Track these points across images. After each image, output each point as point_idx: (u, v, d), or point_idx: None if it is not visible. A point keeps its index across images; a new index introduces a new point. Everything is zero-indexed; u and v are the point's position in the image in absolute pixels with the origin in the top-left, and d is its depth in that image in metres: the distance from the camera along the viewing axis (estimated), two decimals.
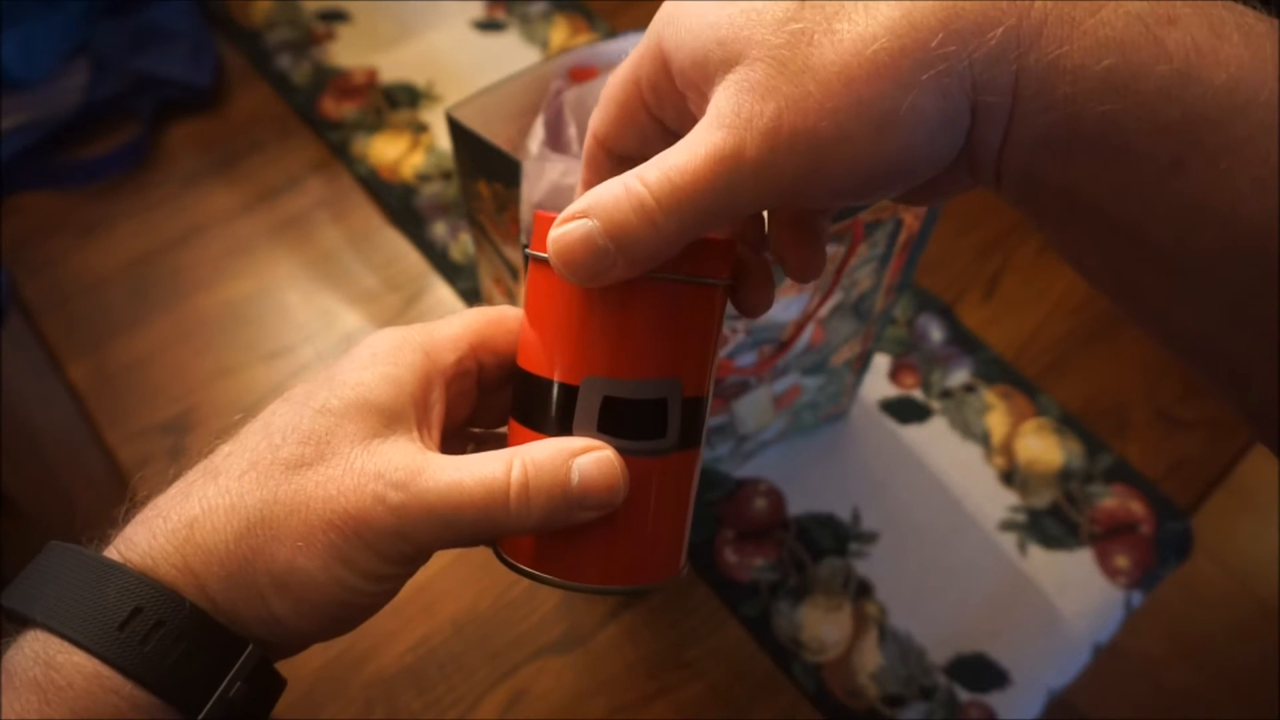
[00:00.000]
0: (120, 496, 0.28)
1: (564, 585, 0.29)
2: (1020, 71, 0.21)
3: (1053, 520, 0.61)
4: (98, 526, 0.28)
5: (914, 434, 0.65)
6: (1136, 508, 0.62)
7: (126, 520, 0.28)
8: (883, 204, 0.44)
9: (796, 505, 0.61)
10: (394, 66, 0.85)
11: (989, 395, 0.67)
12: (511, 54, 0.86)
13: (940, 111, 0.21)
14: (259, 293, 0.71)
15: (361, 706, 0.53)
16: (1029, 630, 0.57)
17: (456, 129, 0.47)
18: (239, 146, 0.79)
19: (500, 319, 0.32)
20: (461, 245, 0.73)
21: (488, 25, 0.88)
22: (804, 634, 0.56)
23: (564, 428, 0.28)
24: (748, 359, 0.50)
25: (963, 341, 0.69)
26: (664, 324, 0.28)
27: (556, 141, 0.50)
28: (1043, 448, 0.64)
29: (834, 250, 0.45)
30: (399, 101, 0.82)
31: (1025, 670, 0.56)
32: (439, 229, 0.74)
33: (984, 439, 0.64)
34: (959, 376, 0.67)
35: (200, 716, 0.25)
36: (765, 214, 0.30)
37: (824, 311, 0.50)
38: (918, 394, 0.67)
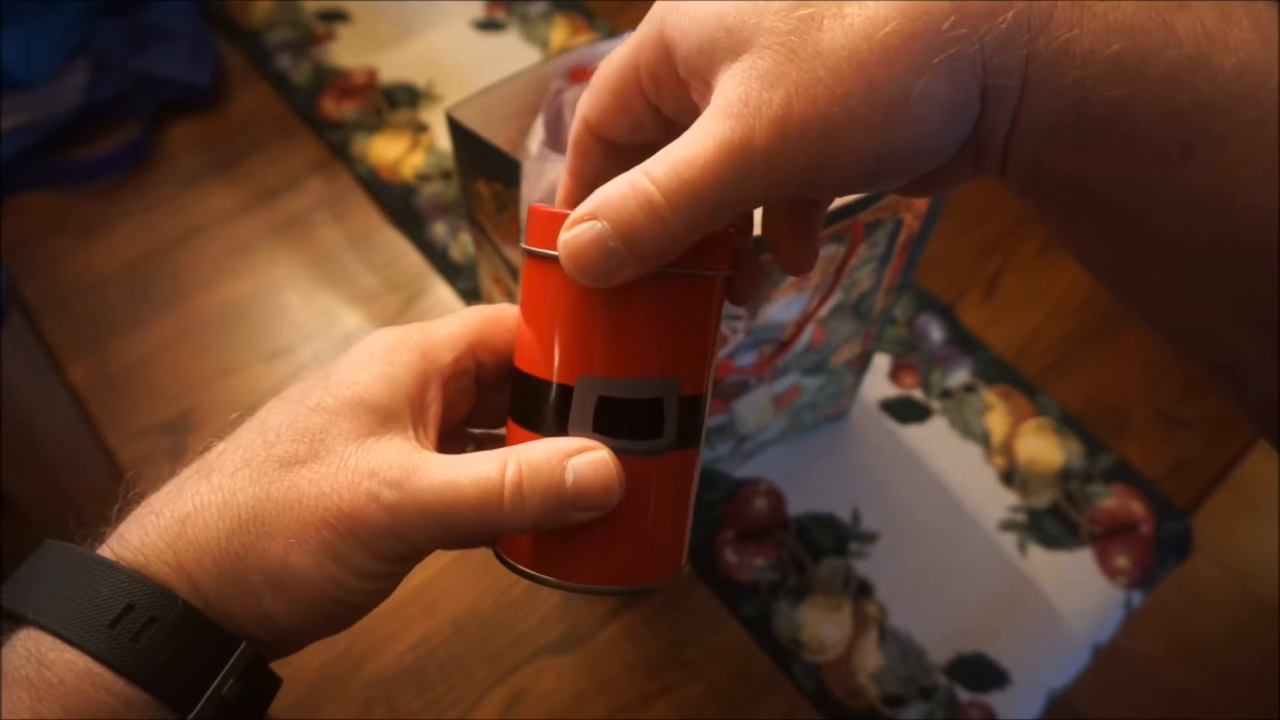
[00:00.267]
0: (120, 497, 0.28)
1: (563, 586, 0.29)
2: (1031, 55, 0.21)
3: (1053, 520, 0.61)
4: (94, 525, 0.28)
5: (914, 434, 0.65)
6: (1136, 508, 0.62)
7: (120, 518, 0.28)
8: (883, 204, 0.44)
9: (796, 505, 0.61)
10: (394, 66, 0.85)
11: (989, 395, 0.67)
12: (511, 54, 0.86)
13: (951, 96, 0.21)
14: (259, 293, 0.71)
15: (361, 706, 0.53)
16: (1029, 630, 0.57)
17: (456, 129, 0.47)
18: (239, 146, 0.79)
19: (499, 318, 0.32)
20: (461, 245, 0.73)
21: (488, 25, 0.88)
22: (804, 634, 0.56)
23: (560, 428, 0.28)
24: (748, 359, 0.50)
25: (963, 341, 0.69)
26: (661, 320, 0.28)
27: (556, 141, 0.49)
28: (1043, 448, 0.64)
29: (834, 250, 0.45)
30: (399, 101, 0.82)
31: (1025, 670, 0.56)
32: (439, 229, 0.74)
33: (984, 439, 0.64)
34: (959, 376, 0.67)
35: (193, 714, 0.25)
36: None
37: (824, 311, 0.50)
38: (918, 394, 0.67)
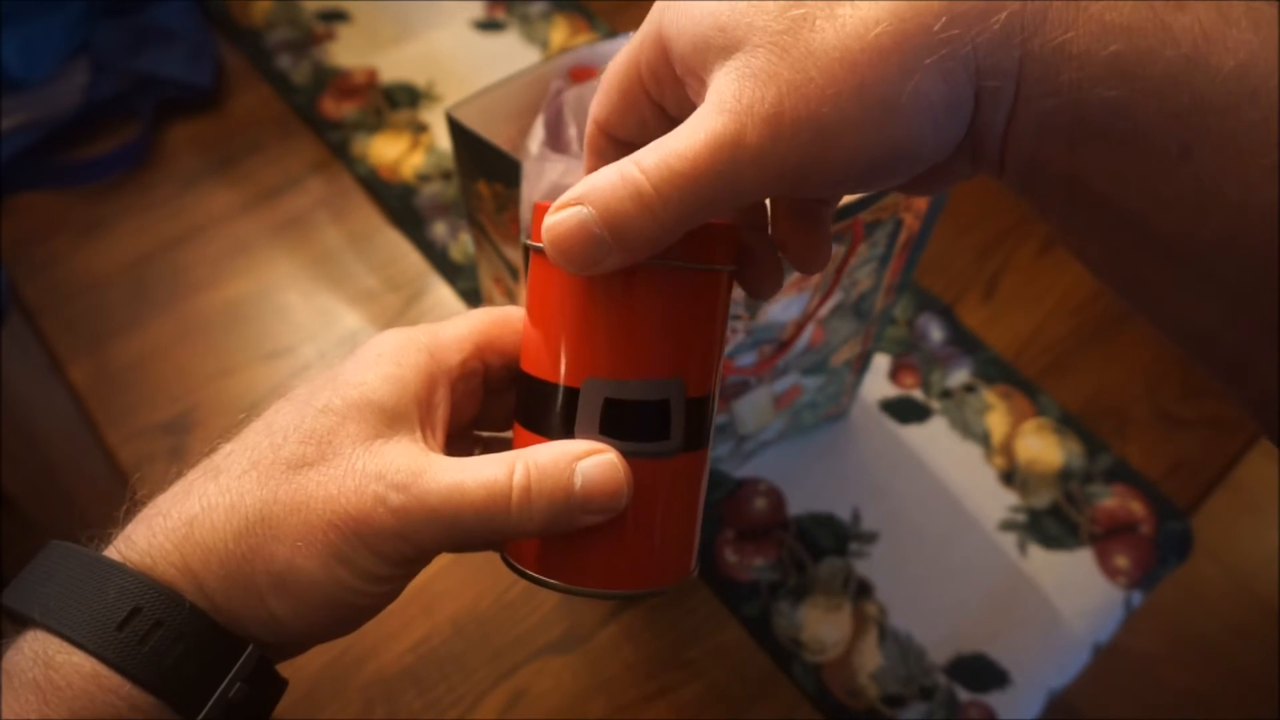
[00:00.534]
0: (120, 496, 0.28)
1: (571, 590, 0.29)
2: (1025, 56, 0.20)
3: (1053, 520, 0.61)
4: (98, 526, 0.28)
5: (914, 434, 0.65)
6: (1136, 508, 0.62)
7: (127, 519, 0.27)
8: (883, 204, 0.44)
9: (796, 505, 0.61)
10: (394, 66, 0.85)
11: (989, 395, 0.67)
12: (511, 54, 0.86)
13: (944, 97, 0.21)
14: (259, 293, 0.71)
15: (361, 706, 0.53)
16: (1029, 630, 0.57)
17: (456, 129, 0.47)
18: (239, 146, 0.79)
19: (506, 319, 0.31)
20: (461, 245, 0.73)
21: (488, 25, 0.88)
22: (804, 634, 0.56)
23: (567, 431, 0.28)
24: (748, 359, 0.50)
25: (963, 341, 0.69)
26: (666, 317, 0.28)
27: (556, 141, 0.49)
28: (1043, 448, 0.64)
29: (834, 250, 0.45)
30: (399, 101, 0.82)
31: (1025, 670, 0.56)
32: (439, 229, 0.74)
33: (984, 439, 0.64)
34: (959, 376, 0.67)
35: (199, 717, 0.25)
36: (768, 201, 0.30)
37: (824, 311, 0.50)
38: (918, 394, 0.67)
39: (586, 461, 0.27)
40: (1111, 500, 0.62)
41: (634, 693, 0.54)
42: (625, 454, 0.28)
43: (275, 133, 0.80)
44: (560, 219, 0.24)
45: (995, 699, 0.55)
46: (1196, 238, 0.21)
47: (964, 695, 0.55)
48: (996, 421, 0.65)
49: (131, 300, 0.70)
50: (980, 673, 0.55)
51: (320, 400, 0.28)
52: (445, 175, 0.77)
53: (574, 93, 0.50)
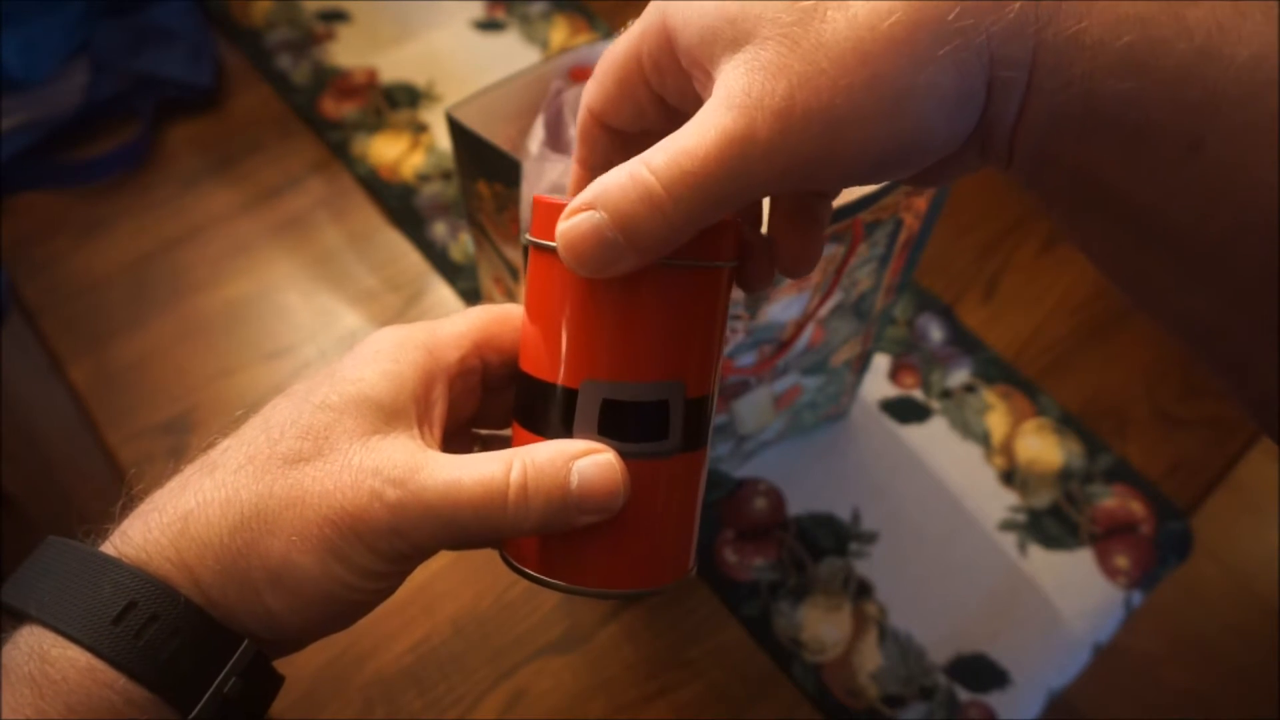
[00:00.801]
0: (120, 496, 0.28)
1: (568, 589, 0.29)
2: (1038, 47, 0.20)
3: (1053, 520, 0.61)
4: (97, 523, 0.28)
5: (914, 434, 0.65)
6: (1136, 508, 0.62)
7: (123, 515, 0.28)
8: (883, 203, 0.44)
9: (796, 505, 0.61)
10: (394, 66, 0.85)
11: (989, 395, 0.67)
12: (511, 54, 0.86)
13: (956, 87, 0.21)
14: (259, 293, 0.71)
15: (361, 706, 0.53)
16: (1029, 630, 0.57)
17: (456, 129, 0.47)
18: (239, 146, 0.79)
19: (505, 317, 0.31)
20: (461, 245, 0.73)
21: (488, 25, 0.88)
22: (804, 634, 0.56)
23: (565, 430, 0.28)
24: (748, 359, 0.50)
25: (963, 341, 0.69)
26: (666, 318, 0.27)
27: (556, 141, 0.49)
28: (1043, 448, 0.64)
29: (834, 250, 0.45)
30: (399, 101, 0.82)
31: (1025, 670, 0.56)
32: (439, 229, 0.74)
33: (984, 439, 0.64)
34: (959, 376, 0.67)
35: (195, 712, 0.25)
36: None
37: (824, 311, 0.50)
38: (918, 394, 0.67)
39: (584, 461, 0.27)
40: (1111, 500, 0.62)
41: (634, 693, 0.54)
42: (623, 454, 0.28)
43: (275, 133, 0.80)
44: (573, 224, 0.24)
45: (995, 699, 0.55)
46: (1205, 232, 0.20)
47: (964, 695, 0.55)
48: (996, 421, 0.65)
49: (131, 300, 0.70)
50: (980, 673, 0.55)
51: (317, 396, 0.28)
52: (445, 175, 0.77)
53: (574, 93, 0.50)
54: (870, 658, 0.56)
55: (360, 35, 0.88)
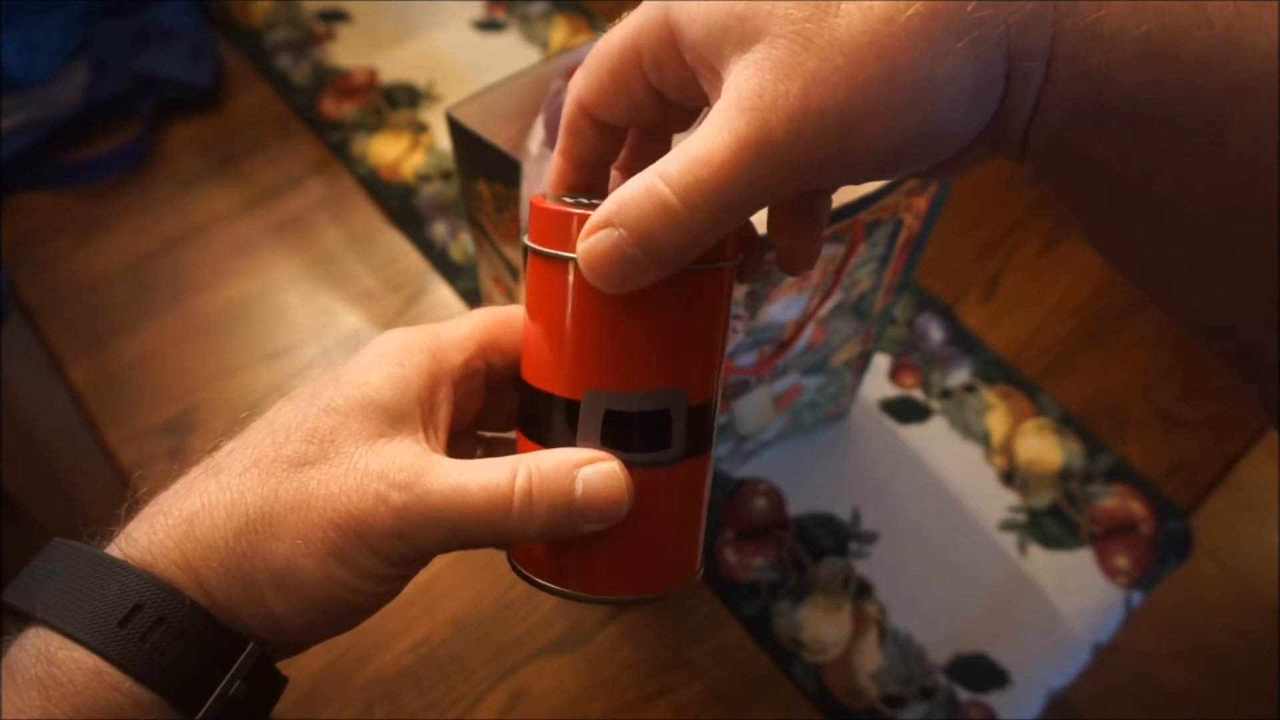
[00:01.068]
0: (120, 496, 0.28)
1: (576, 597, 0.29)
2: (1056, 37, 0.20)
3: (1053, 520, 0.61)
4: (99, 525, 0.28)
5: (914, 434, 0.65)
6: (1136, 508, 0.62)
7: (128, 517, 0.28)
8: (883, 204, 0.44)
9: (796, 505, 0.61)
10: (394, 66, 0.85)
11: (989, 395, 0.67)
12: (511, 54, 0.86)
13: (975, 79, 0.20)
14: (259, 293, 0.71)
15: (361, 706, 0.53)
16: (1029, 630, 0.57)
17: (456, 129, 0.47)
18: (239, 146, 0.79)
19: (509, 319, 0.31)
20: (461, 245, 0.73)
21: (488, 25, 0.88)
22: (804, 634, 0.56)
23: (567, 440, 0.28)
24: (748, 359, 0.50)
25: (963, 341, 0.69)
26: (667, 324, 0.27)
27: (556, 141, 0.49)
28: (1043, 448, 0.64)
29: (834, 250, 0.45)
30: (399, 101, 0.82)
31: (1025, 670, 0.56)
32: (439, 229, 0.74)
33: (984, 439, 0.64)
34: (959, 376, 0.67)
35: (200, 715, 0.25)
36: None
37: (824, 311, 0.50)
38: (918, 394, 0.67)
39: (589, 469, 0.27)
40: (1111, 500, 0.62)
41: (634, 693, 0.54)
42: (627, 463, 0.27)
43: (275, 133, 0.80)
44: (594, 244, 0.24)
45: (995, 699, 0.55)
46: (1222, 226, 0.20)
47: (964, 695, 0.55)
48: (996, 421, 0.65)
49: (131, 300, 0.70)
50: (980, 673, 0.55)
51: (323, 399, 0.28)
52: (445, 175, 0.77)
53: None
54: (870, 658, 0.56)
55: (360, 35, 0.88)
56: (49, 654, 0.24)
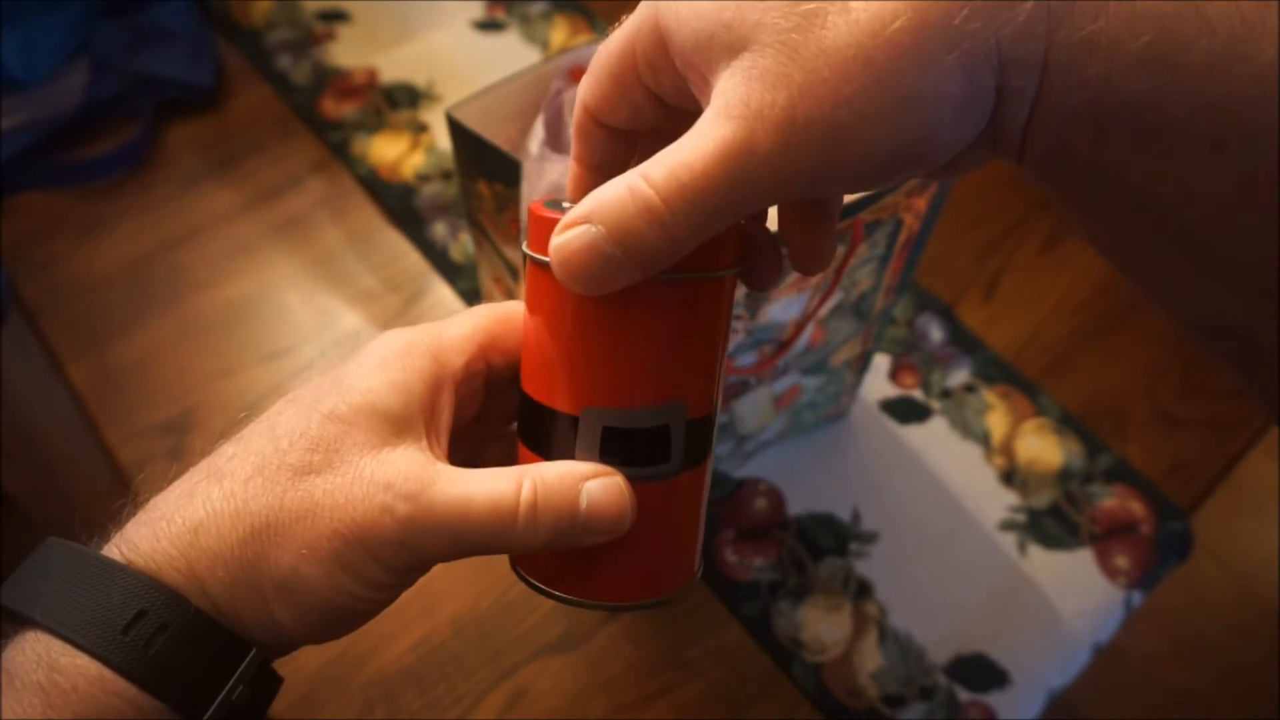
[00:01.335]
0: (120, 496, 0.28)
1: (578, 604, 0.29)
2: (1051, 47, 0.20)
3: (1053, 520, 0.61)
4: (99, 524, 0.28)
5: (914, 434, 0.65)
6: (1136, 508, 0.62)
7: (126, 519, 0.27)
8: (883, 204, 0.44)
9: (796, 505, 0.61)
10: (394, 66, 0.85)
11: (989, 395, 0.67)
12: (511, 54, 0.86)
13: (965, 92, 0.20)
14: (259, 293, 0.71)
15: (361, 706, 0.53)
16: (1029, 630, 0.57)
17: (456, 129, 0.46)
18: (239, 146, 0.79)
19: (509, 317, 0.31)
20: (461, 245, 0.73)
21: (488, 25, 0.88)
22: (804, 634, 0.56)
23: (567, 454, 0.28)
24: (748, 359, 0.50)
25: (963, 341, 0.69)
26: (665, 338, 0.27)
27: (556, 141, 0.49)
28: (1043, 448, 0.64)
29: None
30: (399, 101, 0.82)
31: (1025, 670, 0.56)
32: (439, 229, 0.74)
33: (984, 439, 0.64)
34: (959, 376, 0.67)
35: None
36: None
37: (824, 311, 0.50)
38: (918, 394, 0.67)
39: (593, 483, 0.27)
40: (1111, 500, 0.62)
41: (634, 693, 0.54)
42: (626, 477, 0.28)
43: (275, 133, 0.80)
44: (568, 239, 0.24)
45: (995, 699, 0.55)
46: (1225, 233, 0.20)
47: (964, 695, 0.55)
48: (996, 421, 0.65)
49: (131, 300, 0.70)
50: (980, 673, 0.55)
51: (325, 405, 0.28)
52: (445, 175, 0.77)
53: (574, 93, 0.50)
54: (870, 658, 0.56)
55: (360, 35, 0.88)
56: (51, 660, 0.24)
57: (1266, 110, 0.18)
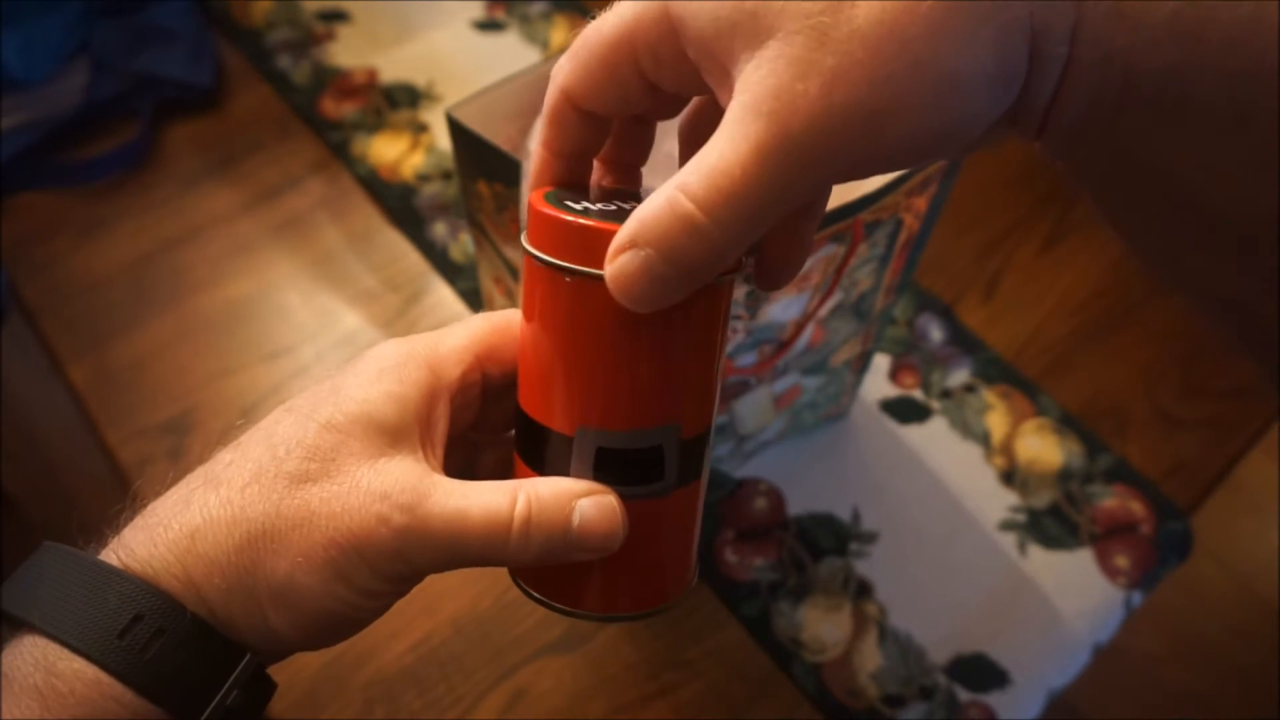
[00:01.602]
0: (120, 497, 0.28)
1: (574, 614, 0.29)
2: (1080, 18, 0.19)
3: (1053, 520, 0.61)
4: (95, 527, 0.28)
5: (914, 434, 0.65)
6: (1136, 508, 0.62)
7: (123, 524, 0.27)
8: (883, 204, 0.44)
9: (796, 505, 0.61)
10: (394, 66, 0.85)
11: (989, 395, 0.66)
12: (511, 54, 0.86)
13: (1000, 66, 0.20)
14: (259, 293, 0.71)
15: (361, 706, 0.53)
16: (1029, 630, 0.57)
17: (456, 129, 0.47)
18: (239, 146, 0.79)
19: (506, 327, 0.31)
20: (461, 245, 0.73)
21: (488, 25, 0.88)
22: (804, 634, 0.56)
23: (561, 471, 0.28)
24: (748, 359, 0.50)
25: (963, 341, 0.69)
26: (661, 357, 0.27)
27: None
28: (1043, 448, 0.64)
29: (834, 250, 0.45)
30: (399, 101, 0.82)
31: (1025, 670, 0.56)
32: (439, 229, 0.74)
33: (984, 439, 0.64)
34: (959, 376, 0.67)
35: None
36: None
37: (824, 311, 0.50)
38: (918, 394, 0.66)
39: (586, 501, 0.27)
40: (1111, 500, 0.62)
41: (634, 693, 0.54)
42: (620, 495, 0.28)
43: (275, 133, 0.80)
44: (622, 266, 0.23)
45: (995, 699, 0.55)
46: (1248, 209, 0.20)
47: (964, 695, 0.55)
48: (996, 421, 0.65)
49: (131, 300, 0.70)
50: (980, 673, 0.55)
51: (322, 415, 0.28)
52: (445, 175, 0.77)
53: None
54: (870, 658, 0.56)
55: (360, 35, 0.88)
56: (49, 664, 0.24)
57: None
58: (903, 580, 0.58)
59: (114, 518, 0.28)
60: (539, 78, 0.51)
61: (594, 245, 0.25)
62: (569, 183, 0.29)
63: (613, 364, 0.27)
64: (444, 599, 0.57)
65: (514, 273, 0.52)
